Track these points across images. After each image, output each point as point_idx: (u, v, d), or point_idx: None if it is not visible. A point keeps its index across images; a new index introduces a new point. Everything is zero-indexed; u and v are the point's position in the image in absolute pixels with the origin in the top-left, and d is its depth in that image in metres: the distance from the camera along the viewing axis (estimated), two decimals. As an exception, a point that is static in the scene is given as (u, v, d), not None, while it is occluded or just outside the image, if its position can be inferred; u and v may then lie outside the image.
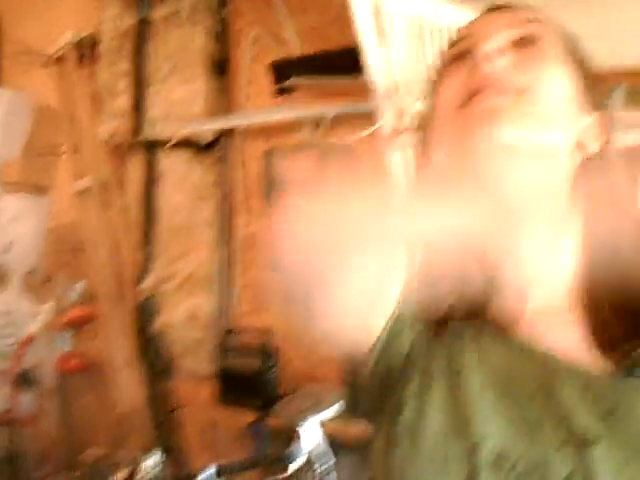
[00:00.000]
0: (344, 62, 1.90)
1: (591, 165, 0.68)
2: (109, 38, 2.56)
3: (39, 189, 2.78)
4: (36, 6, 2.82)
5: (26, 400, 2.54)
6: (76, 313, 2.71)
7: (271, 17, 2.29)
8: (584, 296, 0.64)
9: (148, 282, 2.57)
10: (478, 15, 0.75)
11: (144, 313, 2.61)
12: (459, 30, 0.74)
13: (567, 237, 0.67)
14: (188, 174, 2.46)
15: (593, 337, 0.62)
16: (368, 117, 1.53)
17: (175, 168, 2.48)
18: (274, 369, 2.17)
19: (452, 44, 0.74)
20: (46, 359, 2.64)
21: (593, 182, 0.68)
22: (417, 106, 1.46)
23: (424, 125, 0.73)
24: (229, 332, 2.42)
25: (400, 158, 1.42)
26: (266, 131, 2.32)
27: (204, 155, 2.43)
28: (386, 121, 1.44)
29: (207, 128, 2.37)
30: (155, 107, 2.47)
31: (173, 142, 2.42)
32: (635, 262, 0.63)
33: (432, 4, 1.54)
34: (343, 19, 2.00)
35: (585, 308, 0.64)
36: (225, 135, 2.41)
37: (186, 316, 2.51)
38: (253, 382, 2.18)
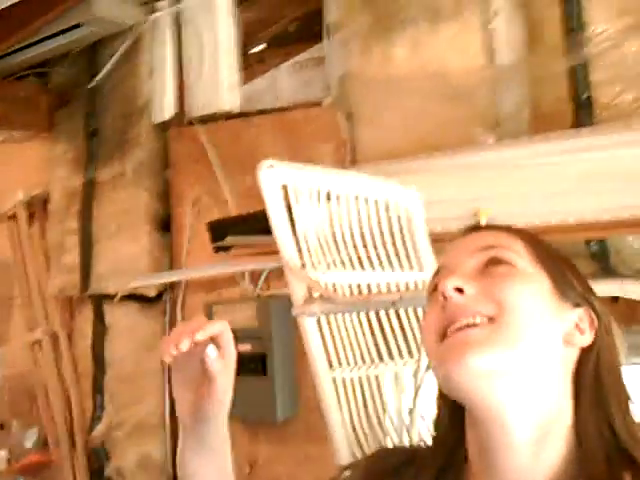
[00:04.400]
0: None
1: (585, 358, 0.74)
2: (58, 197, 2.71)
3: (-6, 339, 2.87)
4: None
5: None
6: (31, 459, 2.76)
7: (210, 178, 2.46)
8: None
9: (99, 429, 2.64)
10: (460, 236, 0.82)
11: (97, 459, 2.68)
12: (442, 257, 0.82)
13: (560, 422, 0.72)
14: (135, 325, 2.57)
15: None
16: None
17: (122, 320, 2.59)
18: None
19: (436, 272, 0.81)
20: (1, 507, 2.67)
21: (586, 374, 0.73)
22: (327, 277, 1.55)
23: None
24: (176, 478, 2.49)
25: (314, 324, 1.52)
26: (206, 285, 2.45)
27: (150, 307, 2.56)
28: (297, 293, 1.51)
29: (152, 282, 2.50)
30: (102, 263, 2.60)
31: (120, 295, 2.54)
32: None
33: (335, 175, 1.64)
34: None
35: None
36: (169, 288, 2.54)
37: (136, 462, 2.58)
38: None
